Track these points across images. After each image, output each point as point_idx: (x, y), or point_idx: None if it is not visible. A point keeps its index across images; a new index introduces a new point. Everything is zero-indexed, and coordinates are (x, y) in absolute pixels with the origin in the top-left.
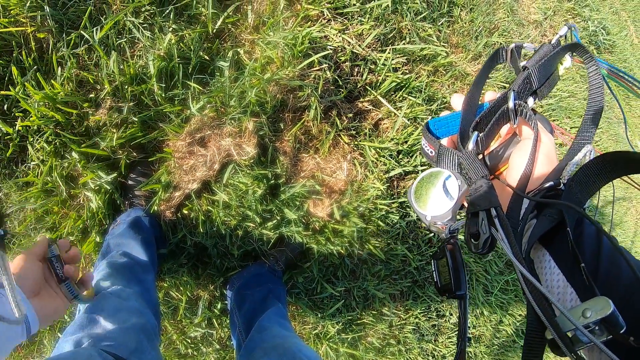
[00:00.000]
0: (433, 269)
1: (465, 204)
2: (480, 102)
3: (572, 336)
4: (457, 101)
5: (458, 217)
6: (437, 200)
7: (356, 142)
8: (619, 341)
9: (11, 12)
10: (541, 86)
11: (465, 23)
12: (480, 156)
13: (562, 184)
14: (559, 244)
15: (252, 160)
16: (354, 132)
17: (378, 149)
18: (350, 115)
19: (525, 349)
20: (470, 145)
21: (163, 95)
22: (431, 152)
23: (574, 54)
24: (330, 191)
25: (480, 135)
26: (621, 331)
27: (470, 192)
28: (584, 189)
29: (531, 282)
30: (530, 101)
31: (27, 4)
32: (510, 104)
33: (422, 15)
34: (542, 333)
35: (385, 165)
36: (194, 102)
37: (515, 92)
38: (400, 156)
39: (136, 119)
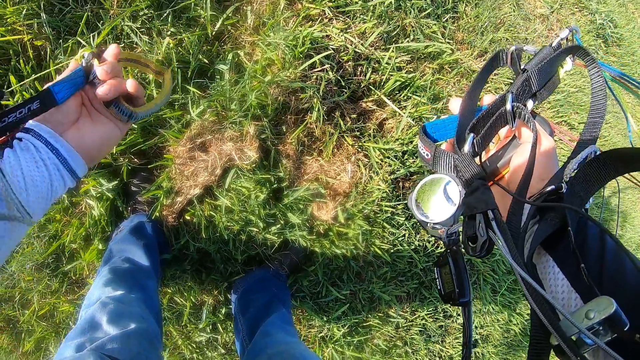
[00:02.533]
0: (436, 277)
1: None
2: (478, 105)
3: (577, 339)
4: (455, 104)
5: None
6: (439, 207)
7: (360, 143)
8: (624, 340)
9: (7, 20)
10: (540, 89)
11: (470, 19)
12: (478, 159)
13: (563, 187)
14: (563, 249)
15: (254, 165)
16: (358, 133)
17: (383, 150)
18: (354, 115)
19: (530, 356)
20: (466, 148)
21: None
22: (427, 154)
23: (576, 56)
24: (335, 194)
25: (477, 137)
26: (625, 329)
27: (467, 194)
28: (586, 188)
29: (532, 286)
30: (530, 104)
31: (24, 12)
32: (508, 106)
33: (426, 12)
34: (546, 339)
35: (390, 166)
36: (194, 106)
37: (514, 94)
38: (406, 157)
39: (136, 126)
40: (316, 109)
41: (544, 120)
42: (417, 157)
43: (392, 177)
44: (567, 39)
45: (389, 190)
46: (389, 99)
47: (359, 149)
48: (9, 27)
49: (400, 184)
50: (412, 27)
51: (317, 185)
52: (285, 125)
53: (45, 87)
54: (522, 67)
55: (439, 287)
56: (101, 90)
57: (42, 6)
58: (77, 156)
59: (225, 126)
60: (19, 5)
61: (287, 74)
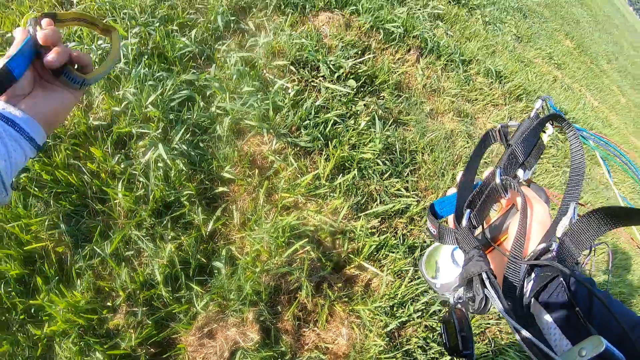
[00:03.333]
0: (442, 332)
1: None
2: (479, 179)
3: None
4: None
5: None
6: (446, 269)
7: (351, 307)
8: None
9: (32, 229)
10: (527, 157)
11: (429, 165)
12: (479, 229)
13: (554, 245)
14: (554, 298)
15: (257, 344)
16: (346, 299)
17: (372, 309)
18: (340, 284)
19: None
20: (464, 222)
21: (171, 297)
22: (434, 231)
23: (553, 122)
24: (335, 357)
25: (473, 212)
26: None
27: (465, 262)
28: (577, 243)
29: (519, 331)
30: (520, 173)
31: (46, 223)
32: (497, 180)
33: (387, 174)
34: None
35: (382, 321)
36: (198, 300)
37: (502, 168)
38: (395, 309)
39: (149, 321)
40: (305, 287)
41: (539, 188)
42: (404, 307)
43: (385, 330)
44: (542, 107)
45: (385, 344)
46: (368, 263)
47: (350, 312)
48: (34, 235)
49: (395, 333)
50: (377, 190)
51: (317, 353)
52: (280, 305)
53: (1, 65)
54: (508, 141)
55: (444, 341)
56: (49, 57)
57: (61, 217)
58: (34, 123)
59: (227, 314)
60: (42, 217)
61: (274, 262)
